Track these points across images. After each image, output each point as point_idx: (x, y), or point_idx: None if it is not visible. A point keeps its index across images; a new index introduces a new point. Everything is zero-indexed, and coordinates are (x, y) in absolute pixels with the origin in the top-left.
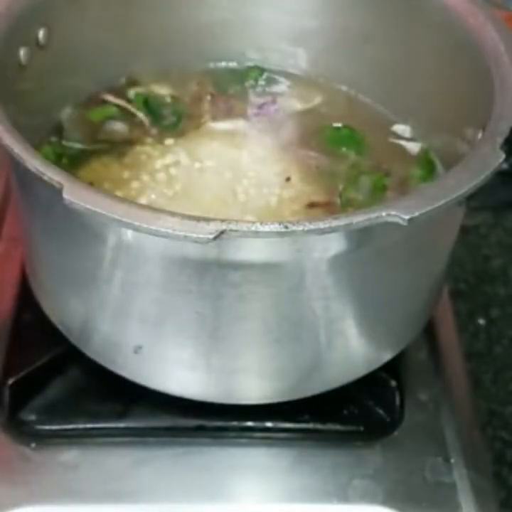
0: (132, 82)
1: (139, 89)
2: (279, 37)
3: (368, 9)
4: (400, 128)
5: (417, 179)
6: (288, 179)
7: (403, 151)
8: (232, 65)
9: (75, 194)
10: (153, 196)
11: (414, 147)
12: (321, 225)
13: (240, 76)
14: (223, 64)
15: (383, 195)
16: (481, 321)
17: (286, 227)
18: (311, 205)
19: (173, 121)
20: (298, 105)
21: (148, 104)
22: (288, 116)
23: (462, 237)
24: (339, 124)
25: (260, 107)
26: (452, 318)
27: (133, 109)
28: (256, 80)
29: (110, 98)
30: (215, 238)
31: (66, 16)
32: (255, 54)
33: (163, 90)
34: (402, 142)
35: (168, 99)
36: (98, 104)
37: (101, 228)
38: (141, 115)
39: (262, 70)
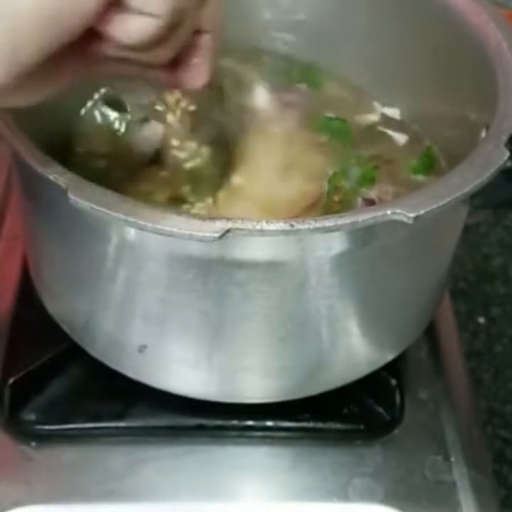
0: None
1: None
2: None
3: (369, 8)
4: (390, 111)
5: (409, 171)
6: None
7: (396, 142)
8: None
9: (80, 193)
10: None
11: (401, 138)
12: (327, 223)
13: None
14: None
15: (371, 187)
16: (481, 320)
17: (292, 225)
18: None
19: None
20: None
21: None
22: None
23: (462, 236)
24: (332, 115)
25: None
26: (452, 316)
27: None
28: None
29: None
30: (220, 237)
31: None
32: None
33: None
34: (392, 133)
35: None
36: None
37: (106, 227)
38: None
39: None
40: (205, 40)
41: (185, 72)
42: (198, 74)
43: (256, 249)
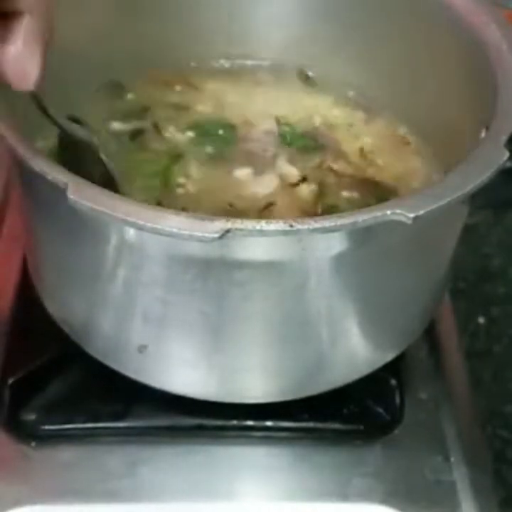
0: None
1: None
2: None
3: (368, 9)
4: None
5: None
6: None
7: None
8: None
9: (79, 193)
10: None
11: None
12: (327, 223)
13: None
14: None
15: None
16: (481, 320)
17: (292, 225)
18: None
19: None
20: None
21: None
22: None
23: (462, 236)
24: None
25: None
26: (452, 316)
27: None
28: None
29: None
30: (220, 237)
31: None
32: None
33: None
34: None
35: None
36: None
37: (105, 227)
38: None
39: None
40: (26, 23)
41: (4, 62)
42: (21, 69)
43: (256, 249)
